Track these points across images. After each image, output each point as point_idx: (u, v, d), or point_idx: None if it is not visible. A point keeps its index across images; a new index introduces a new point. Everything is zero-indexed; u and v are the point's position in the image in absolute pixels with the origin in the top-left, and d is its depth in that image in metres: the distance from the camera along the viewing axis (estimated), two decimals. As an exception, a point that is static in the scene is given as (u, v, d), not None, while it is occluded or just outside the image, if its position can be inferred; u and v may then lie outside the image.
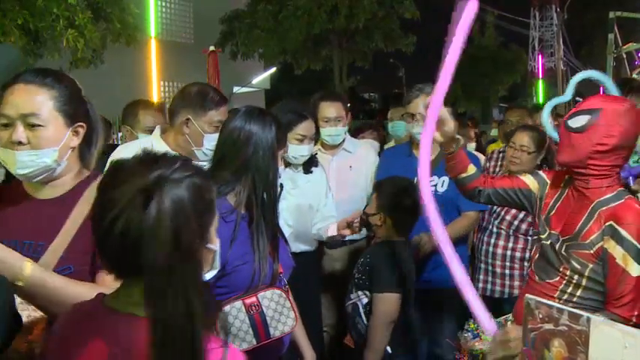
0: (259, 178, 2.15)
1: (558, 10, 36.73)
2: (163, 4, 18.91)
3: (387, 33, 18.25)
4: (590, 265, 2.17)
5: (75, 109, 1.75)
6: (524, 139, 3.77)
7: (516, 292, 3.76)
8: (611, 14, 9.88)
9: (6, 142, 1.65)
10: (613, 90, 2.98)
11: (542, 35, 40.45)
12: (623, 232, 2.10)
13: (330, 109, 3.73)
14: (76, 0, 8.87)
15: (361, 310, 2.92)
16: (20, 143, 1.64)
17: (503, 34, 31.64)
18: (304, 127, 3.19)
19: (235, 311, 2.05)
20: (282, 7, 16.76)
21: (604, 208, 2.17)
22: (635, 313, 2.09)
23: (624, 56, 9.96)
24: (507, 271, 3.81)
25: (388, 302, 2.85)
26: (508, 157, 3.85)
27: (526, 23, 39.46)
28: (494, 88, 29.16)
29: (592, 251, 2.17)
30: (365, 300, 2.91)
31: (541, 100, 30.83)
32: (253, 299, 2.06)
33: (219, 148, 2.27)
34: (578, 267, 2.19)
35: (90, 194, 1.66)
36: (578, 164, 2.21)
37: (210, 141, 2.60)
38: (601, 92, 3.13)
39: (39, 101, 1.66)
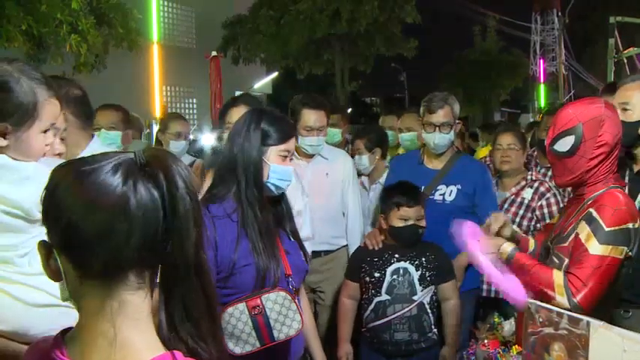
0: (247, 175, 2.19)
1: (560, 14, 36.72)
2: (166, 9, 18.96)
3: (389, 37, 18.27)
4: (566, 260, 2.16)
5: None
6: (509, 138, 3.97)
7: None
8: (612, 19, 9.92)
9: None
10: None
11: (543, 40, 40.43)
12: (595, 213, 2.10)
13: (313, 117, 3.53)
14: (79, 5, 8.88)
15: (427, 306, 3.10)
16: None
17: (505, 38, 31.63)
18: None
19: (238, 313, 2.06)
20: (284, 11, 16.80)
21: (590, 202, 2.18)
22: (584, 299, 2.03)
23: (625, 61, 9.99)
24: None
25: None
26: (497, 158, 3.99)
27: (527, 27, 39.49)
28: (496, 93, 29.15)
29: (567, 243, 2.17)
30: (428, 297, 3.11)
31: (542, 104, 30.82)
32: (257, 301, 2.07)
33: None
34: (557, 262, 2.20)
35: None
36: (578, 182, 2.22)
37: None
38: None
39: None
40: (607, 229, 2.06)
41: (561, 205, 3.74)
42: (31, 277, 1.63)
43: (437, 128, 3.49)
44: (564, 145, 2.18)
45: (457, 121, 3.64)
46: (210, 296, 1.10)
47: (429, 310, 3.12)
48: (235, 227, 2.15)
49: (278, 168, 2.22)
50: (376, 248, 3.20)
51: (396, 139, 4.93)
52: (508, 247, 2.25)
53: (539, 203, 3.77)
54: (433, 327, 3.16)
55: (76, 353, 1.05)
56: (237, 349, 2.06)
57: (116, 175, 1.01)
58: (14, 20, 7.76)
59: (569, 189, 4.06)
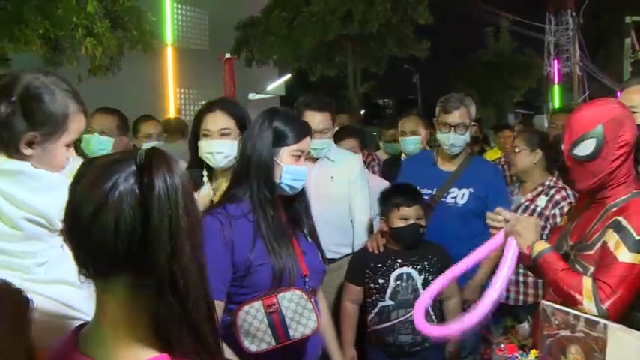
0: (258, 175, 2.23)
1: (574, 14, 36.46)
2: (179, 11, 19.04)
3: (401, 38, 18.23)
4: (591, 269, 2.14)
5: None
6: (515, 141, 4.00)
7: (531, 299, 3.76)
8: (627, 19, 9.86)
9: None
10: None
11: (557, 40, 40.16)
12: (624, 222, 2.07)
13: (316, 119, 3.38)
14: (94, 9, 8.98)
15: (431, 311, 3.11)
16: None
17: (518, 39, 31.44)
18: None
19: (254, 311, 2.09)
20: (296, 13, 16.81)
21: (614, 209, 2.15)
22: (613, 305, 2.01)
23: (641, 61, 9.91)
24: (521, 278, 3.81)
25: None
26: (511, 161, 4.01)
27: (541, 28, 39.24)
28: (509, 94, 28.99)
29: (592, 251, 2.14)
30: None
31: (557, 105, 30.61)
32: (273, 300, 2.10)
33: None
34: (581, 270, 2.17)
35: None
36: (600, 185, 2.18)
37: None
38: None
39: None
40: (637, 237, 2.04)
41: None
42: (46, 286, 1.63)
43: (452, 129, 3.47)
44: (585, 148, 2.14)
45: (473, 123, 3.61)
46: (189, 314, 1.07)
47: (432, 312, 3.14)
48: (252, 227, 2.19)
49: (291, 168, 2.24)
50: (376, 252, 3.20)
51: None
52: (543, 245, 2.19)
53: (552, 212, 3.70)
54: None
55: (87, 349, 1.10)
56: (252, 347, 2.10)
57: (112, 172, 1.06)
58: (32, 24, 7.87)
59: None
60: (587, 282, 2.05)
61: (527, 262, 2.27)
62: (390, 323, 3.12)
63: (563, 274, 2.11)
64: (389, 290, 3.13)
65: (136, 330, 1.07)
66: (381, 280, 3.16)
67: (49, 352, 1.19)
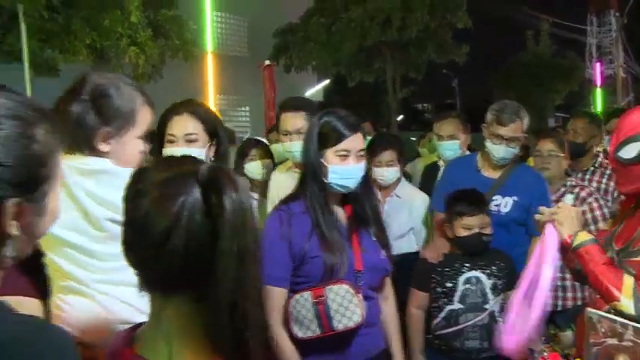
0: (311, 176, 2.37)
1: (617, 14, 35.68)
2: (219, 19, 19.33)
3: (440, 43, 18.14)
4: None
5: None
6: (549, 145, 3.86)
7: (570, 303, 3.70)
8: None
9: None
10: None
11: (599, 42, 39.35)
12: None
13: (290, 121, 3.16)
14: (138, 19, 9.24)
15: (498, 315, 3.06)
16: None
17: (559, 41, 30.90)
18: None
19: (303, 300, 2.25)
20: (335, 19, 16.89)
21: None
22: None
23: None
24: (559, 282, 3.73)
25: None
26: (538, 166, 3.85)
27: (582, 30, 38.51)
28: (550, 98, 28.51)
29: (639, 257, 2.09)
30: (498, 305, 3.07)
31: (599, 108, 29.99)
32: (321, 291, 2.24)
33: None
34: None
35: None
36: None
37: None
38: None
39: None
40: None
41: (605, 210, 3.64)
42: (120, 289, 1.64)
43: (505, 141, 3.37)
44: (630, 151, 2.10)
45: (525, 135, 3.50)
46: (244, 336, 1.06)
47: (499, 319, 3.06)
48: (310, 222, 2.33)
49: (337, 168, 2.33)
50: (435, 262, 3.17)
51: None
52: (586, 235, 2.16)
53: (581, 209, 3.66)
54: None
55: (142, 351, 1.12)
56: (300, 333, 2.25)
57: (177, 190, 1.05)
58: (80, 35, 8.15)
59: (615, 194, 3.96)
60: (628, 280, 2.01)
61: (567, 255, 2.23)
62: (458, 327, 3.07)
63: (603, 267, 2.06)
64: (457, 293, 3.08)
65: (190, 341, 1.09)
66: (448, 284, 3.11)
67: (105, 351, 1.23)
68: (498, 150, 3.39)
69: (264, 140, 4.70)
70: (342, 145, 2.34)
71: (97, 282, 1.65)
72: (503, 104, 3.46)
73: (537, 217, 2.31)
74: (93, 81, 1.76)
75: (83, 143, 1.72)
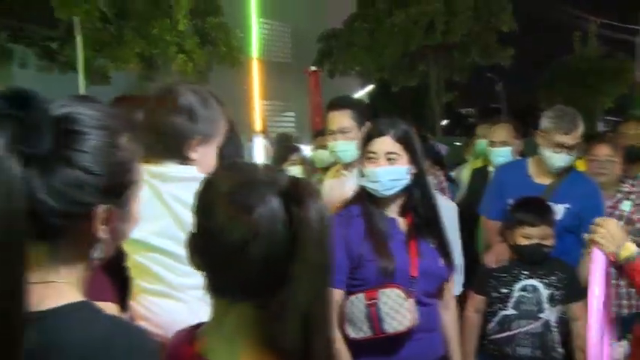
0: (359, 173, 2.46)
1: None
2: (264, 26, 19.57)
3: (484, 47, 17.96)
4: None
5: None
6: (605, 150, 3.72)
7: (625, 311, 3.64)
8: None
9: None
10: None
11: (651, 42, 38.15)
12: None
13: (335, 119, 3.11)
14: (185, 27, 9.47)
15: (553, 325, 3.01)
16: None
17: (608, 42, 30.09)
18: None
19: (357, 302, 2.30)
20: (378, 24, 16.91)
21: None
22: None
23: None
24: (612, 289, 3.68)
25: None
26: (593, 171, 3.70)
27: (633, 30, 37.43)
28: (599, 101, 27.80)
29: None
30: (555, 315, 3.02)
31: (651, 111, 29.10)
32: (374, 294, 2.28)
33: None
34: None
35: None
36: None
37: None
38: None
39: None
40: None
41: None
42: (192, 292, 1.68)
43: (565, 149, 3.29)
44: None
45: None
46: (311, 347, 1.05)
47: (554, 329, 3.04)
48: (361, 224, 2.39)
49: (365, 171, 2.40)
50: (493, 266, 3.14)
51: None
52: (630, 249, 2.12)
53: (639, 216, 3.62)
54: (557, 346, 3.06)
55: (204, 351, 1.13)
56: (352, 334, 2.30)
57: (257, 198, 1.04)
58: (130, 44, 8.42)
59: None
60: None
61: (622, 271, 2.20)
62: (510, 333, 3.04)
63: None
64: (512, 300, 3.05)
65: (253, 347, 1.09)
66: (504, 290, 3.08)
67: (166, 349, 1.24)
68: (555, 158, 3.31)
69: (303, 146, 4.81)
70: (369, 147, 2.40)
71: (186, 286, 1.71)
72: (560, 111, 3.38)
73: (585, 236, 2.23)
74: (183, 92, 1.85)
75: (175, 151, 1.82)
